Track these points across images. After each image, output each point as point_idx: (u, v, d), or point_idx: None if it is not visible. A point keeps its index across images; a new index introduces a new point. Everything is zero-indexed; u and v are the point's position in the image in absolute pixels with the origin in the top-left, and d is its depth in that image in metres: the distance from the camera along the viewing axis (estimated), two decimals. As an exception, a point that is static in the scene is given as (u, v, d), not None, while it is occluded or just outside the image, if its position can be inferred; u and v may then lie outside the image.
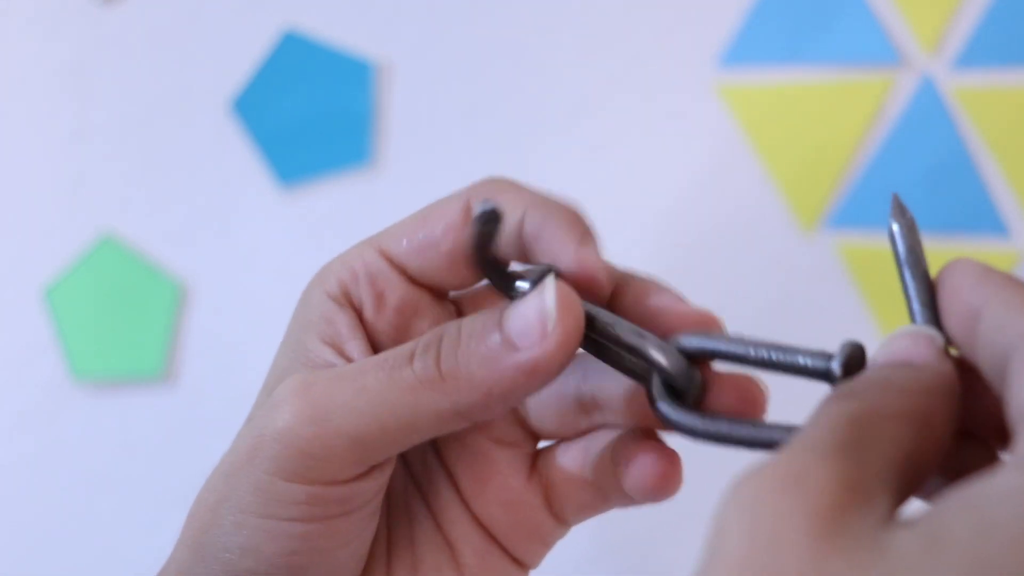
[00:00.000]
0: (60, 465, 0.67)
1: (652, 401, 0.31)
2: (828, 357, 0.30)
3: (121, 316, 0.66)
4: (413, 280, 0.35)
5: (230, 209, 0.66)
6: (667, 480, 0.33)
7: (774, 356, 0.30)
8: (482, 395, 0.30)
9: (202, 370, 0.66)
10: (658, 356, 0.31)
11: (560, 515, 0.36)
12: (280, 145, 0.66)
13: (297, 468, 0.31)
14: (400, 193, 0.66)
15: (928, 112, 0.60)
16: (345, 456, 0.31)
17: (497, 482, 0.35)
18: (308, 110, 0.66)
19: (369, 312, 0.35)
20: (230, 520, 0.32)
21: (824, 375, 0.30)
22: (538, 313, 0.30)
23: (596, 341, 0.32)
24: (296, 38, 0.66)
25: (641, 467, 0.33)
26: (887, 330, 0.60)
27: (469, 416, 0.31)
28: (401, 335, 0.34)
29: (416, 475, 0.36)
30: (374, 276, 0.35)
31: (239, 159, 0.67)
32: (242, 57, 0.66)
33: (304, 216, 0.66)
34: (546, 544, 0.36)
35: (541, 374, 0.30)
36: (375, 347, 0.34)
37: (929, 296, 0.30)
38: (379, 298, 0.35)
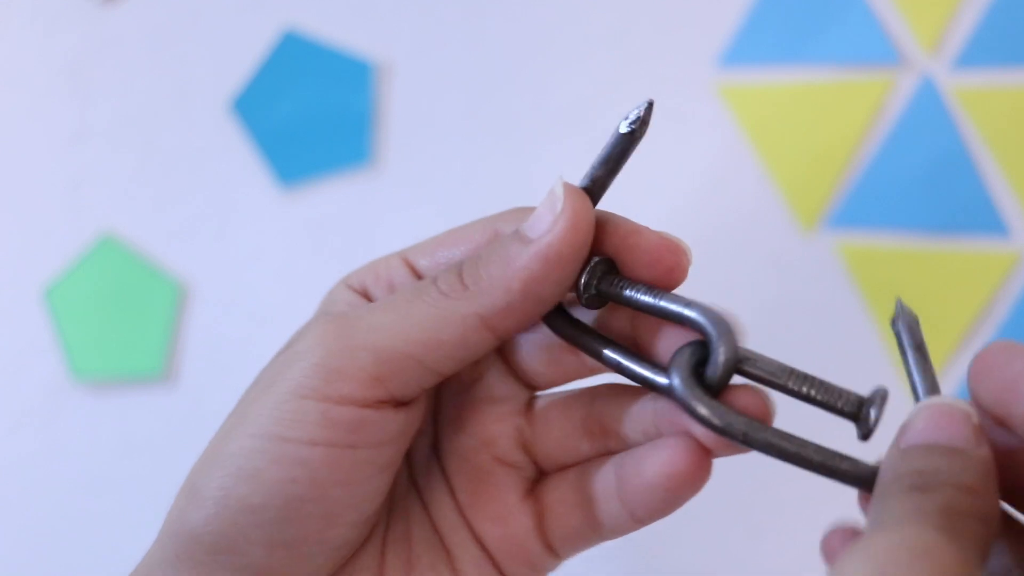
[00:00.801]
0: (60, 465, 0.67)
1: (674, 390, 0.31)
2: (862, 403, 0.30)
3: (121, 316, 0.67)
4: None
5: (230, 209, 0.66)
6: (700, 468, 0.32)
7: (813, 392, 0.31)
8: (502, 293, 0.30)
9: (202, 370, 0.66)
10: (719, 340, 0.30)
11: (550, 542, 0.35)
12: (280, 145, 0.66)
13: (316, 383, 0.30)
14: (400, 193, 0.66)
15: (928, 112, 0.60)
16: (365, 370, 0.30)
17: (492, 496, 0.35)
18: (308, 110, 0.66)
19: None
20: (237, 444, 0.32)
21: (854, 418, 0.31)
22: (547, 204, 0.31)
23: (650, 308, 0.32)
24: (296, 38, 0.66)
25: (670, 452, 0.32)
26: (887, 330, 0.60)
27: (494, 323, 0.31)
28: None
29: (418, 481, 0.36)
30: (393, 281, 0.35)
31: (239, 159, 0.67)
32: (242, 57, 0.66)
33: (304, 216, 0.66)
34: (536, 571, 0.36)
35: (554, 259, 0.30)
36: None
37: (933, 383, 0.31)
38: None
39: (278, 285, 0.66)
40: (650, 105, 0.32)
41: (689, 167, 0.63)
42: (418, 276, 0.35)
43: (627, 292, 0.32)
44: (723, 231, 0.62)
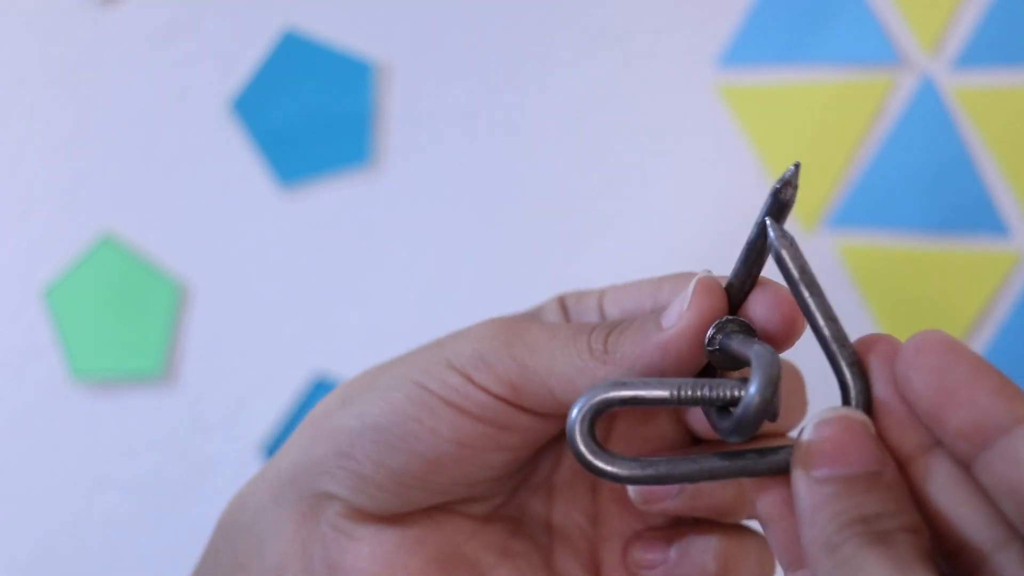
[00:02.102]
0: (60, 465, 0.67)
1: (589, 465, 0.31)
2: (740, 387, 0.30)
3: (121, 316, 0.67)
4: None
5: (230, 209, 0.66)
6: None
7: (699, 392, 0.31)
8: (626, 370, 0.33)
9: (202, 370, 0.66)
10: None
11: None
12: (280, 145, 0.66)
13: (467, 363, 0.35)
14: (400, 193, 0.66)
15: (928, 112, 0.60)
16: (508, 375, 0.34)
17: (632, 523, 0.38)
18: (308, 110, 0.66)
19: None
20: (389, 377, 0.36)
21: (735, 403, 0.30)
22: (680, 299, 0.33)
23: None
24: (296, 38, 0.66)
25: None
26: (886, 330, 0.60)
27: None
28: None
29: (555, 481, 0.39)
30: (583, 317, 0.38)
31: (239, 159, 0.67)
32: (242, 57, 0.66)
33: (304, 216, 0.66)
34: None
35: (671, 354, 0.32)
36: None
37: (841, 336, 0.30)
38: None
39: (278, 285, 0.66)
40: (797, 166, 0.32)
41: (689, 167, 0.63)
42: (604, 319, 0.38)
43: (733, 337, 0.32)
44: (723, 231, 0.62)
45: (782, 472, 0.29)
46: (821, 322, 0.30)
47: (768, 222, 0.31)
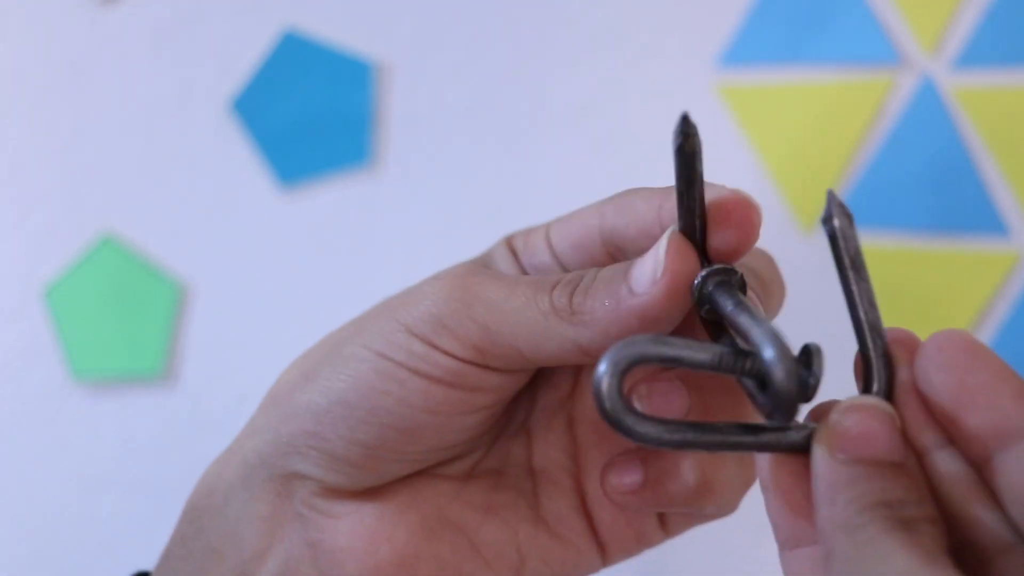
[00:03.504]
0: (60, 465, 0.67)
1: (619, 426, 0.30)
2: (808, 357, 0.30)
3: (121, 316, 0.67)
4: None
5: (230, 209, 0.66)
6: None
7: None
8: (600, 332, 0.32)
9: (202, 370, 0.66)
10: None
11: (603, 544, 0.37)
12: (280, 145, 0.66)
13: (426, 329, 0.33)
14: (400, 193, 0.66)
15: (928, 112, 0.60)
16: (471, 338, 0.33)
17: (616, 450, 0.37)
18: (308, 110, 0.66)
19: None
20: (350, 349, 0.35)
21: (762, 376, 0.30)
22: (652, 262, 0.32)
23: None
24: (296, 38, 0.66)
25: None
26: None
27: (590, 352, 0.33)
28: None
29: (532, 425, 0.38)
30: (535, 255, 0.38)
31: (239, 159, 0.67)
32: (242, 57, 0.66)
33: (304, 216, 0.66)
34: (639, 542, 0.38)
35: (650, 319, 0.32)
36: None
37: (872, 309, 0.30)
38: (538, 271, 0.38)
39: (278, 285, 0.66)
40: (684, 116, 0.31)
41: (689, 167, 0.63)
42: (555, 255, 0.37)
43: (722, 300, 0.32)
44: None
45: (802, 451, 0.29)
46: (861, 309, 0.30)
47: (830, 195, 0.30)
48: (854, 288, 0.30)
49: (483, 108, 0.65)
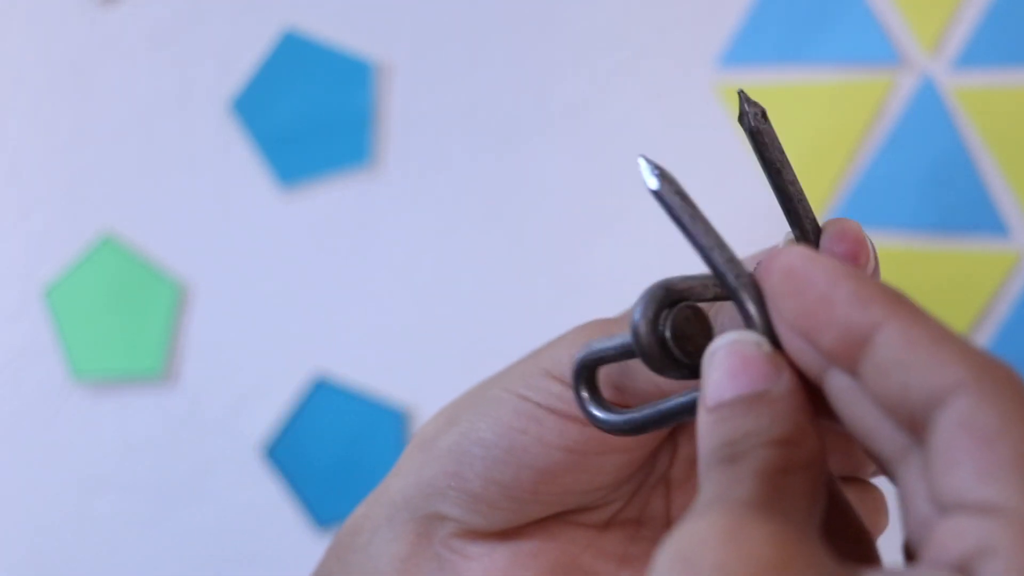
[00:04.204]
0: (60, 465, 0.67)
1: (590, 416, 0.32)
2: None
3: (121, 316, 0.67)
4: None
5: (230, 209, 0.66)
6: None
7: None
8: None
9: (202, 370, 0.66)
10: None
11: None
12: (280, 145, 0.66)
13: (564, 371, 0.34)
14: (400, 193, 0.66)
15: (928, 112, 0.60)
16: (610, 376, 0.33)
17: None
18: (308, 110, 0.66)
19: None
20: (492, 392, 0.35)
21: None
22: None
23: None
24: (296, 38, 0.66)
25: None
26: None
27: None
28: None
29: (672, 477, 0.38)
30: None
31: (239, 159, 0.67)
32: (242, 57, 0.66)
33: (304, 216, 0.66)
34: None
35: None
36: None
37: (720, 246, 0.29)
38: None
39: (278, 285, 0.66)
40: (740, 92, 0.31)
41: (689, 167, 0.63)
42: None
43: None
44: (722, 231, 0.62)
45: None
46: (707, 253, 0.29)
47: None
48: (694, 235, 0.29)
49: (483, 108, 0.65)
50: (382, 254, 0.66)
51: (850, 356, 0.25)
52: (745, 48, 0.62)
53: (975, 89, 0.59)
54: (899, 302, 0.24)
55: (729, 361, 0.27)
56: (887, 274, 0.61)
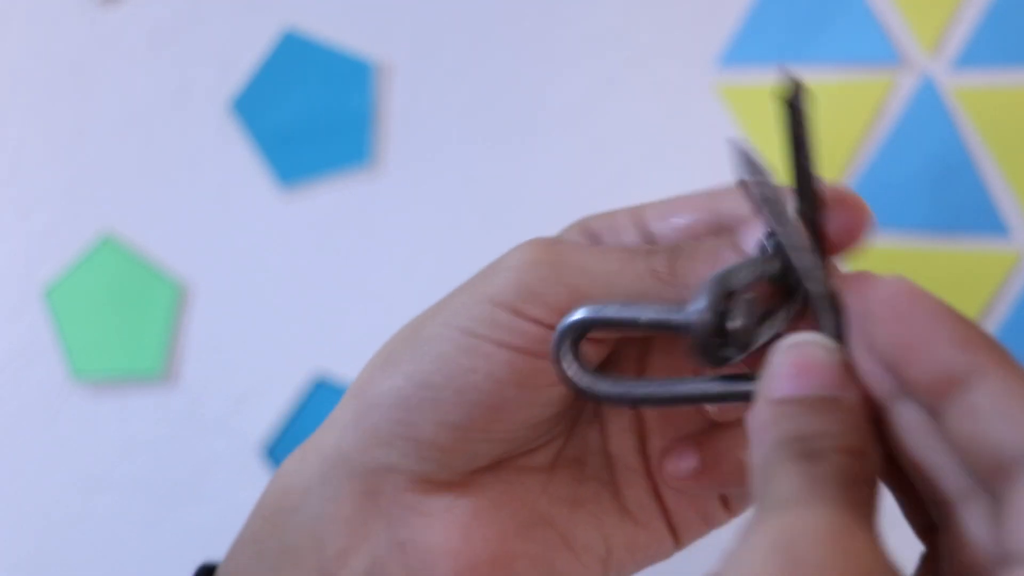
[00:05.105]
0: (60, 465, 0.67)
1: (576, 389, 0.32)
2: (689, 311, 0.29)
3: (121, 316, 0.67)
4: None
5: (230, 209, 0.66)
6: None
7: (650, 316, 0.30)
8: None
9: (202, 370, 0.66)
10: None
11: (673, 527, 0.37)
12: (280, 145, 0.66)
13: (512, 298, 0.32)
14: (400, 193, 0.66)
15: (928, 112, 0.60)
16: (561, 304, 0.32)
17: (678, 434, 0.36)
18: (308, 110, 0.66)
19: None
20: (431, 330, 0.34)
21: (686, 327, 0.29)
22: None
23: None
24: (296, 38, 0.66)
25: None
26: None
27: None
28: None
29: (604, 411, 0.37)
30: (622, 238, 0.36)
31: (239, 159, 0.67)
32: (242, 57, 0.66)
33: (304, 216, 0.66)
34: (706, 521, 0.37)
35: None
36: None
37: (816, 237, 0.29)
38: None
39: (278, 285, 0.66)
40: (784, 70, 0.31)
41: (689, 167, 0.63)
42: (649, 237, 0.35)
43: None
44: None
45: (747, 400, 0.29)
46: (790, 253, 0.29)
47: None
48: (777, 233, 0.29)
49: (483, 108, 0.65)
50: (382, 254, 0.66)
51: (936, 393, 0.25)
52: (745, 48, 0.62)
53: (975, 89, 0.59)
54: (999, 351, 0.25)
55: (799, 359, 0.27)
56: (887, 273, 0.61)
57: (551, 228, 0.64)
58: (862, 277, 0.28)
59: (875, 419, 0.27)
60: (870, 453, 0.26)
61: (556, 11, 0.64)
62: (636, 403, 0.31)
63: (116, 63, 0.67)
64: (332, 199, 0.66)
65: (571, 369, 0.31)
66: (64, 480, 0.67)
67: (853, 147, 0.61)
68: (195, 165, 0.67)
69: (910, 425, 0.26)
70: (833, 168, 0.61)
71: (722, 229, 0.34)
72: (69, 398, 0.67)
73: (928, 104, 0.60)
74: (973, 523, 0.24)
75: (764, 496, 0.25)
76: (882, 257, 0.59)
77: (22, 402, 0.67)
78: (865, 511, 0.24)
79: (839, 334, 0.28)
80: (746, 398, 0.29)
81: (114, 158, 0.67)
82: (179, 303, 0.66)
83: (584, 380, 0.31)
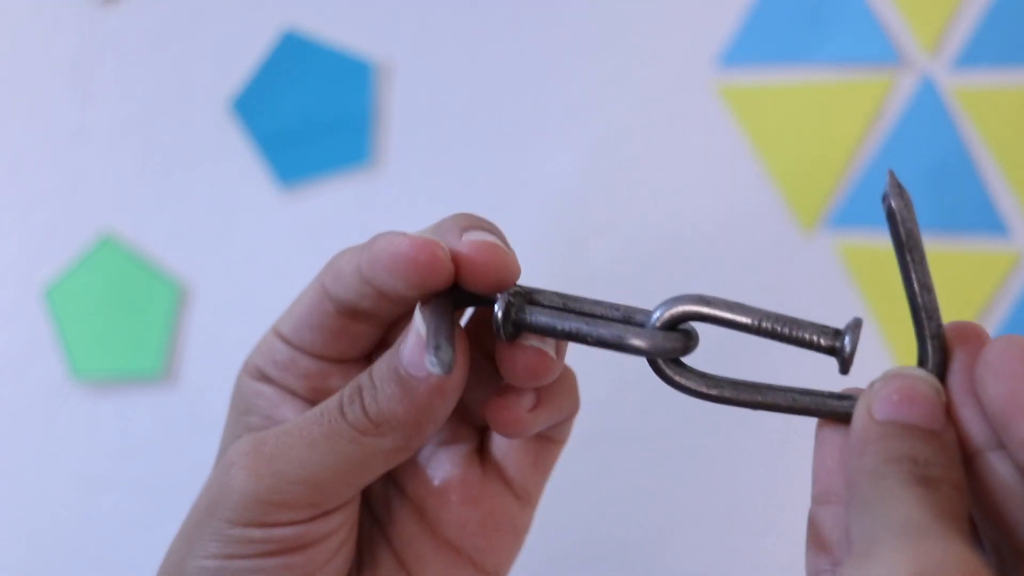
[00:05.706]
0: (60, 465, 0.67)
1: (661, 373, 0.32)
2: (836, 334, 0.31)
3: (121, 316, 0.67)
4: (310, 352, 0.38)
5: (230, 209, 0.66)
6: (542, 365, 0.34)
7: (779, 328, 0.31)
8: (413, 426, 0.33)
9: (202, 370, 0.66)
10: (639, 344, 0.31)
11: (521, 491, 0.37)
12: (280, 145, 0.66)
13: (256, 515, 0.33)
14: (400, 193, 0.66)
15: (928, 112, 0.60)
16: (302, 501, 0.33)
17: (458, 485, 0.37)
18: (308, 110, 0.66)
19: (290, 382, 0.38)
20: (194, 566, 0.34)
21: (831, 351, 0.31)
22: (414, 337, 0.32)
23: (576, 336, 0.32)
24: (296, 38, 0.66)
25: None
26: (887, 330, 0.60)
27: (410, 447, 0.33)
28: (321, 395, 0.37)
29: (379, 515, 0.38)
30: (276, 358, 0.38)
31: (239, 159, 0.67)
32: (242, 57, 0.66)
33: (304, 216, 0.66)
34: (518, 534, 0.37)
35: (450, 391, 0.32)
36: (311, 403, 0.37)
37: (930, 299, 0.30)
38: (289, 370, 0.38)
39: (278, 285, 0.66)
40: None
41: (689, 167, 0.63)
42: (291, 345, 0.38)
43: (550, 321, 0.33)
44: (723, 231, 0.62)
45: (842, 420, 0.30)
46: (916, 287, 0.30)
47: (891, 175, 0.31)
48: (911, 268, 0.30)
49: (483, 108, 0.65)
50: (382, 254, 0.65)
51: None
52: (745, 48, 0.62)
53: (975, 89, 0.59)
54: None
55: (909, 389, 0.28)
56: (887, 275, 0.61)
57: (551, 228, 0.64)
58: (974, 328, 0.30)
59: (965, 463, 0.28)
60: (967, 493, 0.27)
61: (556, 11, 0.64)
62: (709, 399, 0.32)
63: (116, 63, 0.67)
64: (332, 199, 0.66)
65: (680, 377, 0.32)
66: (63, 480, 0.67)
67: (853, 147, 0.61)
68: (195, 165, 0.67)
69: (1001, 477, 0.27)
70: (833, 168, 0.61)
71: (341, 307, 0.37)
72: (69, 398, 0.67)
73: (928, 104, 0.60)
74: None
75: (883, 515, 0.25)
76: (882, 257, 0.59)
77: (22, 402, 0.67)
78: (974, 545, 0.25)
79: (942, 375, 0.29)
80: (835, 415, 0.31)
81: (114, 158, 0.67)
82: (179, 303, 0.66)
83: (671, 369, 0.32)
